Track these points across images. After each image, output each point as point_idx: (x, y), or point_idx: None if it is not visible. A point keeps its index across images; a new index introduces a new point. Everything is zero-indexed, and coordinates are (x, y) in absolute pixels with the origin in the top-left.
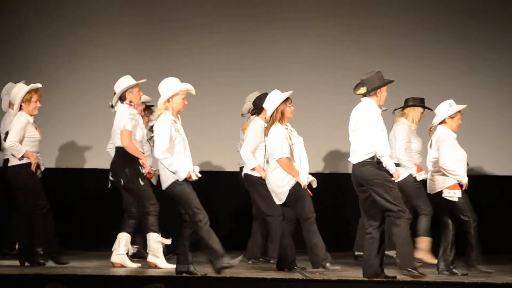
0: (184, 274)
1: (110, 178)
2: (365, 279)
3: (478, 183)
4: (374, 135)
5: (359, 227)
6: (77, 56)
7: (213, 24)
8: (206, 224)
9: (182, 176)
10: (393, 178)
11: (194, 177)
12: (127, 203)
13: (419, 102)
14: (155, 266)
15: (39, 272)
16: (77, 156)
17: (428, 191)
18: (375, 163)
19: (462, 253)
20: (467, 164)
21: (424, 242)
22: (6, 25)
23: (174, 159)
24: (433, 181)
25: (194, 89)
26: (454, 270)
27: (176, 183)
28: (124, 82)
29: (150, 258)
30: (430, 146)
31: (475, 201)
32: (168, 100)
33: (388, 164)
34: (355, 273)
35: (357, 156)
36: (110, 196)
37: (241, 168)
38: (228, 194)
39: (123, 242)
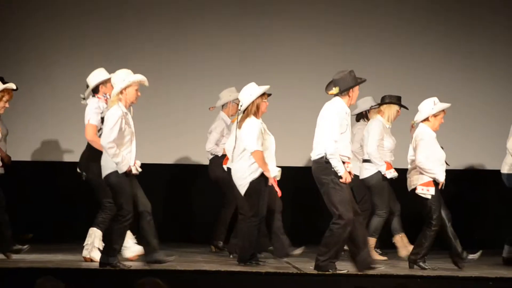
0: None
1: (78, 171)
2: (358, 272)
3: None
4: (327, 135)
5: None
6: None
7: (206, 20)
8: (123, 223)
9: (123, 168)
10: (341, 180)
11: (134, 171)
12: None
13: (396, 100)
14: (91, 261)
15: (32, 266)
16: (54, 150)
17: (408, 188)
18: (324, 162)
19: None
20: (446, 163)
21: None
22: None
23: (118, 151)
24: (410, 178)
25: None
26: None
27: (115, 173)
28: (98, 75)
29: (85, 253)
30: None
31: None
32: (121, 92)
33: (337, 166)
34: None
35: (312, 153)
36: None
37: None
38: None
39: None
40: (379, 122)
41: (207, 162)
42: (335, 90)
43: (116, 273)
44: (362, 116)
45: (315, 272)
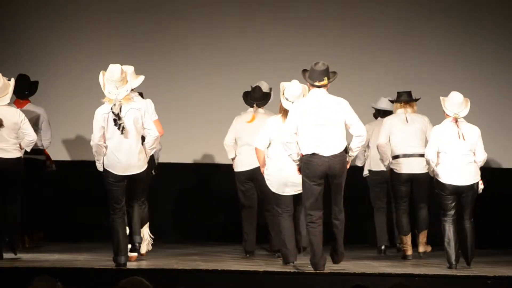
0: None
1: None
2: (356, 271)
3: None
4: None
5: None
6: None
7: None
8: (113, 218)
9: (99, 167)
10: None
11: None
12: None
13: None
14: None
15: (29, 266)
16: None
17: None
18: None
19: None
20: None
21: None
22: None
23: (99, 149)
24: (470, 171)
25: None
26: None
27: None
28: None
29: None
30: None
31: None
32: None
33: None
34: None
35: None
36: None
37: None
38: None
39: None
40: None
41: None
42: (326, 80)
43: (114, 272)
44: (380, 114)
45: (313, 271)
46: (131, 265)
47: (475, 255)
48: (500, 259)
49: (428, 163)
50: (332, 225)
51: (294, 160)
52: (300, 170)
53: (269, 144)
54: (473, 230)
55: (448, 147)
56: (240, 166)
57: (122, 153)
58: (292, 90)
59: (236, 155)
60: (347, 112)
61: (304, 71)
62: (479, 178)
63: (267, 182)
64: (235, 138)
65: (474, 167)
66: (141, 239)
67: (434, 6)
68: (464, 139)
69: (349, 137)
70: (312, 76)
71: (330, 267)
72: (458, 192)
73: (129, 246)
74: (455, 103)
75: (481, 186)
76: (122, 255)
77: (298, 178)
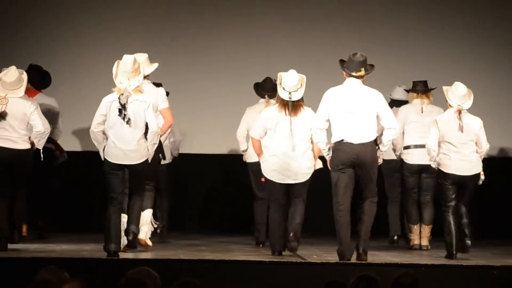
0: None
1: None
2: (362, 262)
3: None
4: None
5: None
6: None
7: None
8: (108, 209)
9: (101, 156)
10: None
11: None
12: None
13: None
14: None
15: (35, 256)
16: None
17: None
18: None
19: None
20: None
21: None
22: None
23: (95, 136)
24: (472, 162)
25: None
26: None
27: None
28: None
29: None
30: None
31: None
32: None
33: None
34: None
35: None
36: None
37: None
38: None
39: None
40: None
41: None
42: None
43: (121, 263)
44: (395, 104)
45: (318, 261)
46: (137, 255)
47: (480, 246)
48: (506, 250)
49: (429, 152)
50: (357, 218)
51: (322, 149)
52: (328, 160)
53: (265, 133)
54: (468, 216)
55: (450, 137)
56: (253, 157)
57: (120, 142)
58: (289, 80)
59: (248, 147)
60: (380, 103)
61: (341, 61)
62: (481, 168)
63: (262, 170)
64: (247, 129)
65: (476, 157)
66: (138, 229)
67: None
68: (462, 132)
69: None
70: (350, 66)
71: (336, 257)
72: (460, 182)
73: (125, 240)
74: (459, 94)
75: (482, 177)
76: (111, 242)
77: (295, 167)
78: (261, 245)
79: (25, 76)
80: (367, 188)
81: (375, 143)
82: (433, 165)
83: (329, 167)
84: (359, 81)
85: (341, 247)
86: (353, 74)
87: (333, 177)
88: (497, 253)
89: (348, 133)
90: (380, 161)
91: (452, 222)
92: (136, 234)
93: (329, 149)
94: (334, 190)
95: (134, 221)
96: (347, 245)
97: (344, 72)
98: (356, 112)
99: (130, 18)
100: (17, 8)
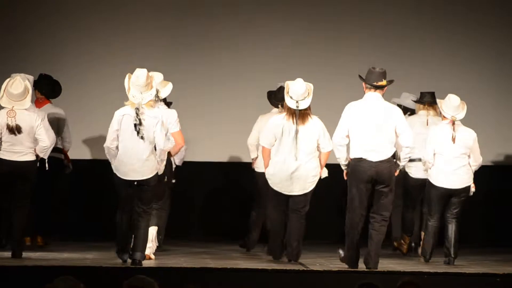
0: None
1: None
2: (365, 269)
3: None
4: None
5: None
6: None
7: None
8: (117, 223)
9: (113, 168)
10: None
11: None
12: None
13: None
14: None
15: (49, 264)
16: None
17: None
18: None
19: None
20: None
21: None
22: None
23: (109, 151)
24: (461, 176)
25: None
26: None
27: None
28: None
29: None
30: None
31: None
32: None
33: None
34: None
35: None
36: (105, 188)
37: None
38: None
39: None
40: None
41: None
42: (385, 81)
43: (121, 271)
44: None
45: (321, 269)
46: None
47: (485, 254)
48: (509, 257)
49: (424, 164)
50: (368, 233)
51: (342, 165)
52: (347, 174)
53: (275, 140)
54: (457, 229)
55: (443, 149)
56: (262, 167)
57: (128, 157)
58: (296, 89)
59: (258, 156)
60: (400, 120)
61: (360, 76)
62: (472, 181)
63: (269, 182)
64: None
65: (467, 170)
66: (143, 256)
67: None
68: (454, 143)
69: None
70: (371, 78)
71: (338, 265)
72: (449, 194)
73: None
74: (452, 105)
75: (472, 190)
76: (125, 252)
77: (301, 176)
78: (248, 251)
79: (29, 84)
80: (382, 203)
81: (393, 157)
82: (426, 176)
83: (345, 177)
84: (379, 95)
85: (348, 254)
86: (374, 84)
87: (350, 192)
88: (500, 260)
89: (367, 151)
90: (396, 173)
91: (432, 232)
92: (140, 260)
93: (347, 165)
94: (349, 205)
95: (140, 248)
96: (355, 252)
97: (364, 86)
98: (376, 130)
99: (139, 31)
100: (28, 18)
